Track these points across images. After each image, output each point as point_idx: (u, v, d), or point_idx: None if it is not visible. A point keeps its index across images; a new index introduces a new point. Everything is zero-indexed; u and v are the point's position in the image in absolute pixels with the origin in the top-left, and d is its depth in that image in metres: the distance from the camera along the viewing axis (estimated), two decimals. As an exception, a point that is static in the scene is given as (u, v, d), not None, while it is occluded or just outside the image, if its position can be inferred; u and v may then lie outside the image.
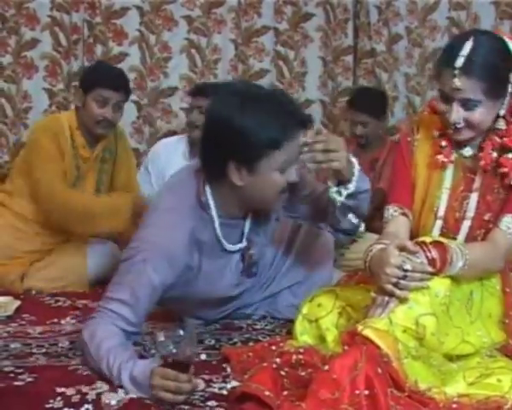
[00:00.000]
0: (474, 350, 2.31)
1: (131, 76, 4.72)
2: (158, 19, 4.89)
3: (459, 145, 2.48)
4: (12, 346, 2.59)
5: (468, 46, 2.29)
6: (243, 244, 2.64)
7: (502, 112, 2.40)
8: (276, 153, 2.35)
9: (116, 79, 3.61)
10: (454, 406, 2.00)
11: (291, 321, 2.61)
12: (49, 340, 2.67)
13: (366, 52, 5.08)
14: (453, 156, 2.49)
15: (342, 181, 2.47)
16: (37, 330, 2.80)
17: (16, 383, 2.22)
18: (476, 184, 2.47)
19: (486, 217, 2.45)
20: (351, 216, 2.62)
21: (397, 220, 2.52)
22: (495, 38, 2.40)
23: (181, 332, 2.10)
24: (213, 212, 2.49)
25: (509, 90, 2.37)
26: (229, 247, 2.59)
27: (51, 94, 4.73)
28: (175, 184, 2.60)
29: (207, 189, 2.48)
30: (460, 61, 2.28)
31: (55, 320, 2.93)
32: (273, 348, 2.36)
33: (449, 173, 2.50)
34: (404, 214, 2.52)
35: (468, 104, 2.31)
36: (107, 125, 3.56)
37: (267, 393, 2.01)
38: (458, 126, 2.35)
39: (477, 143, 2.46)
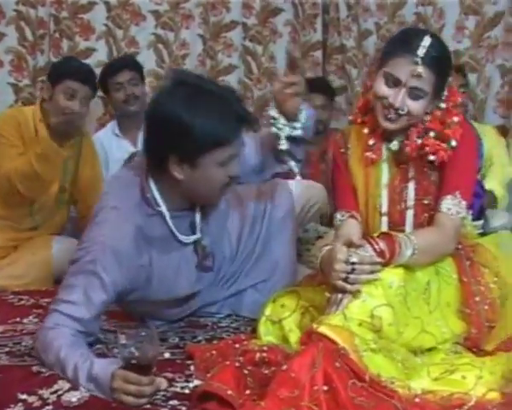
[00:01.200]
0: (434, 342, 2.33)
1: (99, 71, 4.66)
2: (125, 13, 4.86)
3: (387, 139, 2.55)
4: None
5: (428, 39, 2.40)
6: (197, 235, 2.61)
7: (429, 109, 2.48)
8: (220, 150, 2.35)
9: (85, 72, 3.61)
10: (417, 400, 2.00)
11: (255, 320, 2.59)
12: (14, 339, 2.63)
13: (336, 48, 5.07)
14: (384, 153, 2.56)
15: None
16: (-2, 328, 2.76)
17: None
18: (411, 173, 2.54)
19: (426, 201, 2.52)
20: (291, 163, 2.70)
21: (347, 223, 2.57)
22: (443, 42, 2.55)
23: (143, 333, 2.08)
24: (162, 206, 2.47)
25: (444, 93, 2.49)
26: (183, 238, 2.57)
27: (17, 89, 4.69)
28: (118, 184, 2.58)
29: (151, 184, 2.47)
30: (422, 51, 2.37)
31: (18, 319, 2.89)
32: (236, 346, 2.34)
33: (384, 170, 2.57)
34: (352, 217, 2.58)
35: (415, 94, 2.40)
36: (76, 119, 3.51)
37: (229, 392, 2.00)
38: (400, 113, 2.41)
39: (403, 135, 2.51)
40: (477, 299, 2.40)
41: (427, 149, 2.46)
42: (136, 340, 2.06)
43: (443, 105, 2.49)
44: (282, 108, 2.53)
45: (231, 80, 5.02)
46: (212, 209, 2.67)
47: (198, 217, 2.61)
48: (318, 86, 4.52)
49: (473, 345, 2.37)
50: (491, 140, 3.91)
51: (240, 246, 2.94)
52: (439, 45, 2.45)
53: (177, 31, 4.93)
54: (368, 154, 2.55)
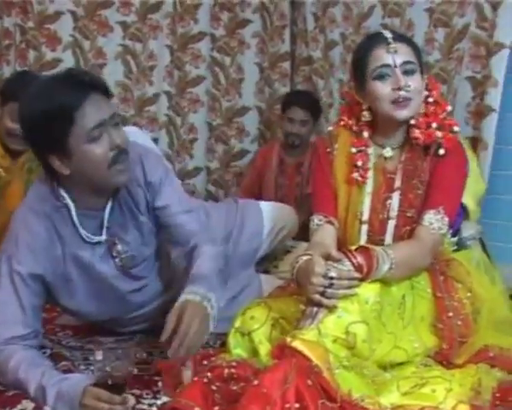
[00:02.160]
0: (406, 357, 2.33)
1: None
2: (92, 24, 4.82)
3: (377, 142, 2.57)
4: None
5: (386, 30, 2.55)
6: (103, 237, 2.51)
7: (424, 93, 2.51)
8: (75, 126, 2.24)
9: None
10: (388, 415, 2.00)
11: (225, 334, 2.56)
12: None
13: (303, 59, 5.08)
14: (372, 161, 2.56)
15: None
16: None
17: None
18: (397, 183, 2.53)
19: (410, 213, 2.50)
20: None
21: (322, 229, 2.54)
22: None
23: (119, 351, 2.09)
24: (67, 200, 2.42)
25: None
26: (90, 237, 2.49)
27: (-19, 100, 4.62)
28: (33, 189, 2.55)
29: (59, 186, 2.43)
30: (388, 34, 2.47)
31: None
32: (205, 362, 2.31)
33: (369, 178, 2.55)
34: (329, 222, 2.55)
35: (408, 69, 2.44)
36: (19, 140, 3.30)
37: (196, 409, 1.99)
38: (405, 95, 2.42)
39: (399, 140, 2.54)
40: (450, 314, 2.40)
41: (439, 136, 2.47)
42: (113, 357, 2.05)
43: (430, 99, 2.51)
44: None
45: (199, 91, 5.03)
46: (129, 215, 2.55)
47: (106, 218, 2.50)
48: (300, 101, 4.53)
49: (444, 359, 2.37)
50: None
51: None
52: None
53: (144, 42, 4.90)
54: (355, 175, 2.54)
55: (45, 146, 2.30)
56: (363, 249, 2.29)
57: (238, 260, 3.03)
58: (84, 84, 2.26)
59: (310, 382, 1.95)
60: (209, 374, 2.15)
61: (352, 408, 1.98)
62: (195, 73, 5.02)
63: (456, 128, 2.50)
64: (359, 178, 2.54)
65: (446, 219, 2.44)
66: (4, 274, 2.38)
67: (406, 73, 2.43)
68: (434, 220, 2.42)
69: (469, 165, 3.27)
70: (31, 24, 4.69)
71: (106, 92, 2.32)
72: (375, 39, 2.49)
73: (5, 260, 2.39)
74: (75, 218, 2.44)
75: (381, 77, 2.45)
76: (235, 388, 2.13)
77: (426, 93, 2.52)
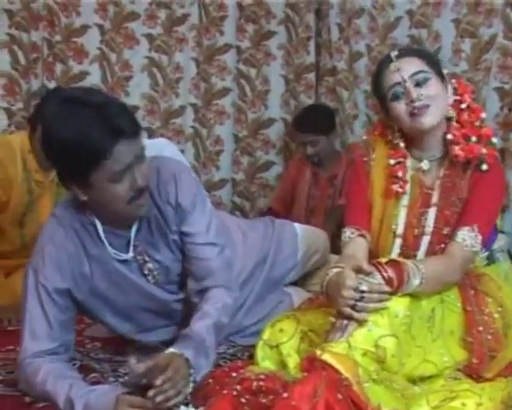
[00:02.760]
0: (435, 370, 2.30)
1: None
2: (119, 37, 4.85)
3: (415, 155, 2.55)
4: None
5: (395, 50, 2.51)
6: (130, 254, 2.47)
7: (450, 100, 2.49)
8: (104, 163, 2.20)
9: None
10: (418, 429, 1.99)
11: (253, 346, 2.55)
12: (7, 368, 2.59)
13: (328, 70, 5.10)
14: (409, 173, 2.53)
15: None
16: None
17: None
18: (434, 199, 2.50)
19: (445, 231, 2.47)
20: None
21: (354, 242, 2.52)
22: None
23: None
24: (94, 218, 2.41)
25: (448, 82, 2.50)
26: (118, 254, 2.46)
27: (10, 113, 4.62)
28: (63, 202, 2.53)
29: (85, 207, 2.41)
30: (394, 53, 2.47)
31: (11, 347, 2.83)
32: (233, 374, 2.30)
33: (406, 191, 2.53)
34: (361, 236, 2.53)
35: (419, 79, 2.43)
36: None
37: (226, 422, 1.98)
38: (419, 104, 2.40)
39: (438, 151, 2.52)
40: (480, 329, 2.38)
41: (483, 153, 2.44)
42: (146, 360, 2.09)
43: (463, 105, 2.49)
44: None
45: (225, 103, 5.05)
46: (158, 234, 2.51)
47: (132, 237, 2.46)
48: (299, 126, 4.53)
49: (472, 372, 2.34)
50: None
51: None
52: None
53: (170, 54, 4.93)
54: (394, 186, 2.52)
55: (67, 174, 2.29)
56: (393, 263, 2.26)
57: (271, 281, 3.00)
58: (116, 129, 2.19)
59: (340, 396, 1.94)
60: (238, 387, 2.14)
61: (383, 422, 1.97)
62: (221, 85, 5.05)
63: (494, 140, 2.47)
64: (399, 190, 2.51)
65: (480, 237, 2.41)
66: (31, 288, 2.37)
67: (418, 83, 2.42)
68: (468, 237, 2.39)
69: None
70: (58, 37, 4.73)
71: (136, 132, 2.27)
72: (382, 63, 2.50)
73: (32, 273, 2.38)
74: (102, 235, 2.42)
75: (396, 97, 2.45)
76: (264, 401, 2.11)
77: (457, 98, 2.51)
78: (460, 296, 2.44)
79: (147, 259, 2.51)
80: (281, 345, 2.39)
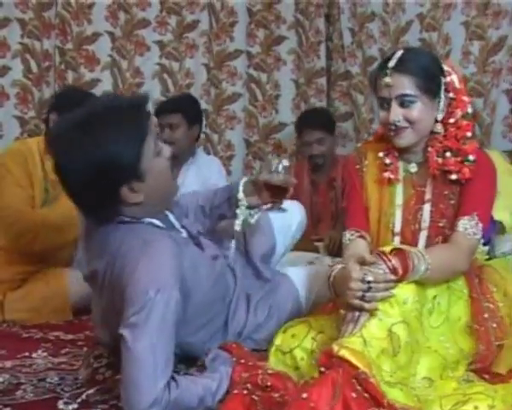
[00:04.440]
0: (441, 359, 2.31)
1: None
2: (130, 44, 4.90)
3: (404, 158, 2.57)
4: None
5: (400, 51, 2.49)
6: (184, 231, 2.45)
7: (439, 116, 2.49)
8: (145, 143, 2.21)
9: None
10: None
11: (265, 350, 2.54)
12: (39, 375, 2.60)
13: (340, 74, 5.12)
14: (401, 174, 2.57)
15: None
16: (6, 364, 2.73)
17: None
18: (427, 196, 2.54)
19: (441, 224, 2.51)
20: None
21: (355, 243, 2.55)
22: (424, 49, 2.78)
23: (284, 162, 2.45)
24: (151, 220, 2.32)
25: (443, 94, 2.49)
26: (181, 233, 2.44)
27: (22, 122, 4.69)
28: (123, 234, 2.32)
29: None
30: (392, 62, 2.45)
31: (27, 354, 2.86)
32: (244, 375, 2.30)
33: (399, 191, 2.57)
34: (361, 237, 2.56)
35: (404, 101, 2.43)
36: None
37: (238, 421, 2.00)
38: (398, 125, 2.44)
39: (421, 157, 2.55)
40: (486, 316, 2.39)
41: (451, 167, 2.47)
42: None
43: (451, 120, 2.49)
44: (249, 196, 2.59)
45: (236, 108, 5.08)
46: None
47: (171, 216, 2.46)
48: (310, 122, 4.50)
49: (484, 368, 2.35)
50: (498, 168, 3.87)
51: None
52: (416, 52, 2.57)
53: (181, 60, 4.97)
54: (386, 174, 2.56)
55: (118, 183, 2.20)
56: (398, 251, 2.29)
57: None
58: (144, 105, 2.27)
59: (354, 395, 1.96)
60: (248, 385, 2.18)
61: (400, 415, 2.00)
62: (232, 90, 5.07)
63: (471, 157, 2.46)
64: (391, 176, 2.55)
65: (480, 225, 2.43)
66: (156, 319, 2.12)
67: (402, 104, 2.43)
68: (469, 226, 2.42)
69: (502, 176, 3.29)
70: (69, 45, 4.78)
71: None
72: (380, 68, 2.50)
73: (160, 293, 2.13)
74: (172, 219, 2.45)
75: (382, 107, 2.49)
76: (276, 395, 2.15)
77: (444, 114, 2.51)
78: (467, 283, 2.46)
79: (193, 231, 2.50)
80: (293, 350, 2.41)
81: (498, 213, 3.76)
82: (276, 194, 2.57)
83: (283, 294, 2.79)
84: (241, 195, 2.57)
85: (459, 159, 2.47)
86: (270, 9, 5.09)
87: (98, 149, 2.14)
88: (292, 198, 2.94)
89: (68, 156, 2.17)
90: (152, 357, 2.07)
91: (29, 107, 4.70)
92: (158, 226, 2.34)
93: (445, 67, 2.52)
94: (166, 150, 2.32)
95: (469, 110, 2.52)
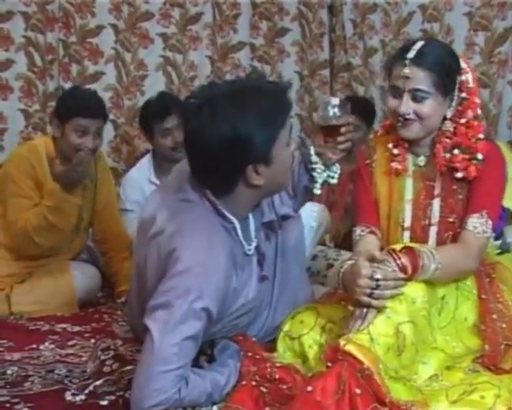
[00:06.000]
0: (447, 357, 2.33)
1: (108, 95, 4.73)
2: (133, 37, 4.88)
3: (413, 151, 2.58)
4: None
5: (420, 43, 2.47)
6: (255, 242, 2.40)
7: (449, 113, 2.50)
8: (282, 131, 2.25)
9: (94, 106, 3.50)
10: (437, 421, 2.01)
11: (272, 340, 2.55)
12: (47, 367, 2.62)
13: (342, 66, 5.11)
14: (410, 169, 2.58)
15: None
16: (14, 356, 2.75)
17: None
18: (437, 190, 2.54)
19: (451, 219, 2.51)
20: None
21: (365, 239, 2.56)
22: (444, 43, 2.68)
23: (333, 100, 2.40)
24: (232, 218, 2.30)
25: (457, 93, 2.49)
26: (248, 249, 2.37)
27: (27, 115, 4.70)
28: (178, 208, 2.30)
29: (216, 202, 2.29)
30: (412, 53, 2.44)
31: (34, 346, 2.88)
32: (252, 368, 2.31)
33: (409, 185, 2.58)
34: (371, 233, 2.57)
35: (417, 96, 2.43)
36: (88, 154, 3.43)
37: (246, 411, 2.01)
38: (407, 117, 2.45)
39: (428, 150, 2.56)
40: (494, 316, 2.40)
41: (457, 164, 2.47)
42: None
43: (462, 120, 2.49)
44: (323, 153, 2.48)
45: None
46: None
47: (252, 223, 2.41)
48: (353, 106, 4.43)
49: (490, 363, 2.35)
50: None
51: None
52: (435, 45, 2.54)
53: (185, 53, 4.96)
54: (393, 164, 2.57)
55: (250, 160, 2.21)
56: (408, 250, 2.30)
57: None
58: (286, 91, 2.32)
59: (358, 390, 1.97)
60: (257, 377, 2.20)
61: (403, 412, 2.00)
62: (236, 82, 5.05)
63: (480, 156, 2.46)
64: (399, 167, 2.56)
65: (490, 222, 2.44)
66: (185, 317, 2.11)
67: (415, 99, 2.44)
68: (478, 224, 2.43)
69: (508, 168, 3.29)
70: (73, 38, 4.77)
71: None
72: (399, 55, 2.49)
73: (200, 300, 2.12)
74: (240, 234, 2.32)
75: (393, 95, 2.49)
76: (284, 387, 2.18)
77: (454, 112, 2.51)
78: (476, 284, 2.48)
79: (261, 245, 2.46)
80: (302, 337, 2.42)
81: (506, 201, 3.76)
82: (329, 134, 2.45)
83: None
84: (314, 157, 2.49)
85: (467, 156, 2.47)
86: (274, 1, 5.07)
87: (243, 124, 2.16)
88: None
89: (211, 122, 2.17)
90: (176, 357, 2.08)
91: (33, 100, 4.71)
92: (234, 229, 2.30)
93: (462, 64, 2.52)
94: (293, 143, 2.35)
95: (479, 112, 2.52)
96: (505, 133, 4.44)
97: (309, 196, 2.62)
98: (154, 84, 4.82)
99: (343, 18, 5.02)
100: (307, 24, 5.13)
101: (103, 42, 4.82)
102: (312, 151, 2.48)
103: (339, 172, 2.51)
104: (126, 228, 3.87)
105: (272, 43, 5.11)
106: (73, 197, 3.37)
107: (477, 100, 2.51)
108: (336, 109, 2.38)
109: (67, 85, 4.66)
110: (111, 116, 4.58)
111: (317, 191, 2.51)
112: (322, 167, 2.49)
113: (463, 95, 2.50)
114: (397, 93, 2.47)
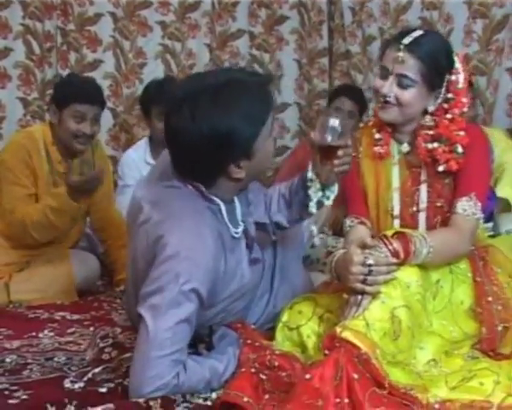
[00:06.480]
0: (444, 342, 2.34)
1: (106, 83, 4.72)
2: (132, 24, 4.88)
3: (396, 138, 2.58)
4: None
5: (419, 32, 2.50)
6: (242, 226, 2.38)
7: (431, 108, 2.51)
8: (264, 128, 2.23)
9: (91, 92, 3.52)
10: (437, 406, 2.02)
11: (271, 328, 2.57)
12: (46, 354, 2.62)
13: (341, 54, 5.10)
14: (396, 156, 2.58)
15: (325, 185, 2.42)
16: (14, 344, 2.74)
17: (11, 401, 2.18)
18: (423, 176, 2.56)
19: (439, 203, 2.53)
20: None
21: (356, 229, 2.58)
22: (443, 39, 2.64)
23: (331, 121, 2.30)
24: (219, 201, 2.29)
25: (443, 91, 2.50)
26: (234, 232, 2.34)
27: (25, 103, 4.70)
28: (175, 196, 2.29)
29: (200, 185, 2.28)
30: (408, 40, 2.46)
31: (33, 334, 2.88)
32: (251, 356, 2.31)
33: (395, 173, 2.58)
34: (361, 223, 2.59)
35: (403, 82, 2.45)
36: (85, 141, 3.46)
37: (246, 399, 2.02)
38: (387, 99, 2.46)
39: (410, 139, 2.57)
40: (489, 299, 2.41)
41: (438, 157, 2.48)
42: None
43: (448, 116, 2.49)
44: (320, 173, 2.40)
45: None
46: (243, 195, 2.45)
47: (238, 207, 2.39)
48: (349, 92, 4.44)
49: (489, 348, 2.37)
50: (501, 145, 3.86)
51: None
52: (434, 39, 2.53)
53: (183, 41, 4.95)
54: (376, 148, 2.57)
55: (231, 156, 2.20)
56: (400, 235, 2.32)
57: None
58: (269, 84, 2.31)
59: (356, 375, 1.97)
60: (256, 364, 2.20)
61: (401, 396, 2.01)
62: (234, 70, 5.04)
63: (460, 149, 2.46)
64: (381, 151, 2.57)
65: (479, 203, 2.46)
66: (174, 300, 2.12)
67: (399, 84, 2.45)
68: (467, 207, 2.44)
69: (501, 155, 3.30)
70: (71, 26, 4.76)
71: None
72: (396, 38, 2.51)
73: (189, 283, 2.12)
74: (225, 217, 2.31)
75: (381, 74, 2.50)
76: (283, 374, 2.18)
77: (438, 108, 2.51)
78: (470, 267, 2.49)
79: (246, 225, 2.43)
80: (300, 327, 2.44)
81: (503, 190, 3.76)
82: (325, 156, 2.36)
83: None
84: (310, 174, 2.41)
85: (447, 149, 2.48)
86: (272, -11, 5.07)
87: (223, 124, 2.15)
88: (299, 170, 2.87)
89: (191, 121, 2.15)
90: (170, 341, 2.09)
91: (32, 88, 4.70)
92: (220, 211, 2.30)
93: (456, 64, 2.52)
94: (275, 130, 2.36)
95: (465, 110, 2.52)
96: (503, 121, 4.44)
97: (305, 213, 2.55)
98: (153, 73, 4.80)
99: (342, 6, 5.00)
100: (306, 12, 5.12)
101: (102, 30, 4.82)
102: (310, 168, 2.43)
103: (335, 193, 2.44)
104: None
105: (271, 31, 5.10)
106: (79, 204, 3.37)
107: (464, 99, 2.51)
108: (334, 131, 2.30)
109: (66, 73, 4.64)
110: (109, 104, 4.59)
111: (313, 210, 2.44)
112: (318, 186, 2.41)
113: (450, 95, 2.50)
114: (384, 74, 2.48)
